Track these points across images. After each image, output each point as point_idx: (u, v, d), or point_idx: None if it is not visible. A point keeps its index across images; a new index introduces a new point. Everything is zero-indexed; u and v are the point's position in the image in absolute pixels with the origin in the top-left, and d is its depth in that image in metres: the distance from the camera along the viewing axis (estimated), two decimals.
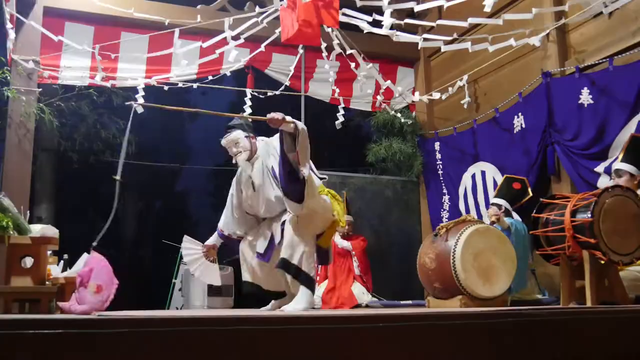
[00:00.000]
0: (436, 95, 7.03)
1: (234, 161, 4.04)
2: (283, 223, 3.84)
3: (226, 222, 4.22)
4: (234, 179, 4.20)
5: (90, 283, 3.10)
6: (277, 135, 3.81)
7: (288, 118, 3.58)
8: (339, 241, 6.39)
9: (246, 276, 4.18)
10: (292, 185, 3.65)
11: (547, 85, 5.62)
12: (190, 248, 4.27)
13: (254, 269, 4.12)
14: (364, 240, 6.55)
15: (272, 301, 4.14)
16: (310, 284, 3.74)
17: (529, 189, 5.38)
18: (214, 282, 4.46)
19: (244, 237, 4.19)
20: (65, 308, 3.03)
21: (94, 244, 3.29)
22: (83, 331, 1.74)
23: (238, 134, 3.97)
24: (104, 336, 1.75)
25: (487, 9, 4.81)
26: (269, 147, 3.98)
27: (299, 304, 3.64)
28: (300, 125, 3.62)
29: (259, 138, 4.11)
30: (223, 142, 4.01)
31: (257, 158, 4.01)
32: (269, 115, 3.55)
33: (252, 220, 4.21)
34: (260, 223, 4.21)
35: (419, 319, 2.18)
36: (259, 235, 4.11)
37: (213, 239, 4.26)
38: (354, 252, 6.37)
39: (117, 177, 3.44)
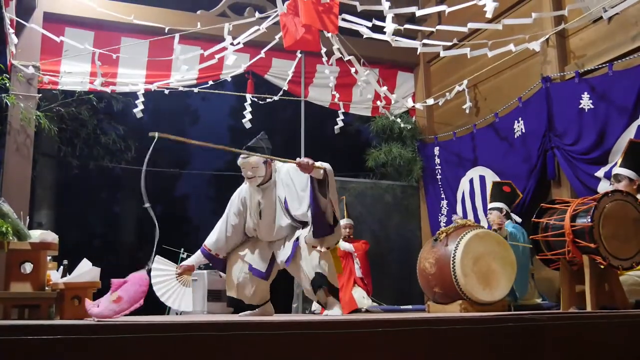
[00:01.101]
0: (430, 102, 7.04)
1: (245, 182, 4.03)
2: (297, 240, 3.89)
3: (217, 240, 4.11)
4: (236, 199, 4.14)
5: (116, 292, 3.11)
6: (286, 165, 3.95)
7: (317, 163, 3.69)
8: (340, 244, 6.42)
9: (231, 292, 4.10)
10: (322, 229, 3.77)
11: (547, 90, 5.63)
12: (160, 269, 3.99)
13: (240, 284, 4.05)
14: (366, 243, 6.60)
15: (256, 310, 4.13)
16: (338, 295, 3.95)
17: (517, 190, 5.47)
18: (185, 308, 4.05)
19: (231, 252, 4.14)
20: (86, 305, 3.05)
21: (149, 267, 3.27)
22: (83, 337, 1.74)
23: (258, 159, 3.89)
24: (104, 342, 1.75)
25: (489, 15, 4.81)
26: (280, 174, 4.00)
27: (337, 312, 3.82)
28: (328, 168, 3.76)
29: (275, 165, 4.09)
30: (240, 161, 3.93)
31: (269, 186, 3.99)
32: (298, 160, 3.66)
33: (244, 239, 4.17)
34: (251, 239, 4.17)
35: (419, 324, 2.17)
36: (255, 254, 4.09)
37: (194, 259, 4.14)
38: (355, 254, 6.39)
39: (147, 205, 3.42)
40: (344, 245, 6.45)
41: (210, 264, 4.27)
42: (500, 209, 5.27)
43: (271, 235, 4.05)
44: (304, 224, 3.90)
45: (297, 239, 3.89)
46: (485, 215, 5.81)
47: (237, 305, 4.13)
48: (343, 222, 6.54)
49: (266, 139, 4.02)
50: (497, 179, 6.25)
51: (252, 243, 4.15)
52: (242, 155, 3.88)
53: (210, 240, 4.12)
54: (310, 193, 3.74)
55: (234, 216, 4.10)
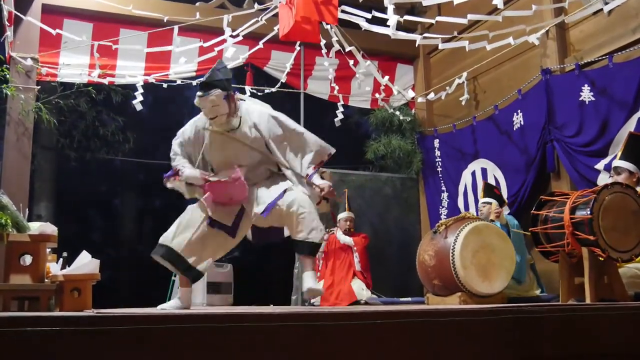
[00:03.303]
0: (432, 96, 7.03)
1: (208, 124, 3.60)
2: (284, 191, 3.53)
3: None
4: (191, 128, 3.68)
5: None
6: (256, 106, 3.69)
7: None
8: (340, 237, 6.45)
9: (180, 242, 3.43)
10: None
11: (547, 83, 5.62)
12: None
13: (195, 239, 3.47)
14: (366, 237, 6.58)
15: (179, 296, 3.54)
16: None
17: (504, 197, 5.63)
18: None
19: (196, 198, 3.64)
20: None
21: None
22: (83, 328, 1.74)
23: (216, 97, 3.42)
24: (104, 334, 1.75)
25: (500, 5, 4.74)
26: (254, 116, 3.62)
27: (314, 282, 3.62)
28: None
29: (239, 97, 3.70)
30: (196, 101, 3.50)
31: (240, 124, 3.57)
32: (328, 189, 3.57)
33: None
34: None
35: (418, 315, 2.18)
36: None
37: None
38: (355, 248, 6.40)
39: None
40: (344, 239, 6.46)
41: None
42: (495, 204, 5.32)
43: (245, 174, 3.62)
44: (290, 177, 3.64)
45: (285, 190, 3.54)
46: None
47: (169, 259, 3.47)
48: (344, 215, 6.56)
49: (224, 68, 3.58)
50: (499, 172, 6.27)
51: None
52: (197, 93, 3.47)
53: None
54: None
55: (188, 145, 3.67)
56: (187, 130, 3.71)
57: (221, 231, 3.55)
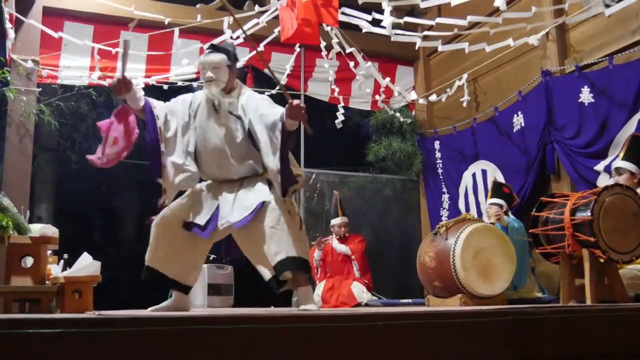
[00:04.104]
0: (433, 98, 7.03)
1: (203, 88, 3.41)
2: (262, 204, 3.14)
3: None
4: (182, 103, 3.44)
5: (109, 135, 3.20)
6: (254, 93, 3.42)
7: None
8: (337, 246, 6.31)
9: (159, 261, 3.26)
10: (289, 179, 3.16)
11: (547, 84, 5.62)
12: None
13: (171, 249, 3.26)
14: (363, 241, 6.40)
15: (172, 299, 3.38)
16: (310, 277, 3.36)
17: (514, 194, 5.51)
18: None
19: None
20: (91, 160, 3.20)
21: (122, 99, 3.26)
22: (83, 330, 1.74)
23: (221, 60, 3.32)
24: (104, 335, 1.75)
25: (502, 7, 4.74)
26: (246, 99, 3.39)
27: (312, 303, 3.22)
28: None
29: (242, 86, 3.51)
30: (201, 59, 3.38)
31: (233, 101, 3.37)
32: (295, 101, 3.09)
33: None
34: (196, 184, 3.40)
35: (418, 317, 2.18)
36: (198, 204, 3.33)
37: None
38: (353, 257, 6.27)
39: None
40: (340, 248, 6.29)
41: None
42: (500, 205, 5.30)
43: (218, 171, 3.34)
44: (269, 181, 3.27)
45: (263, 202, 3.15)
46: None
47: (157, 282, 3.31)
48: (337, 220, 6.35)
49: (233, 47, 3.51)
50: (499, 173, 6.27)
51: (196, 195, 3.37)
52: (204, 52, 3.36)
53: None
54: (280, 140, 3.14)
55: (179, 122, 3.36)
56: (179, 99, 3.50)
57: (195, 234, 3.27)
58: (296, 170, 3.31)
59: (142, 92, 3.36)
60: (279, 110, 3.21)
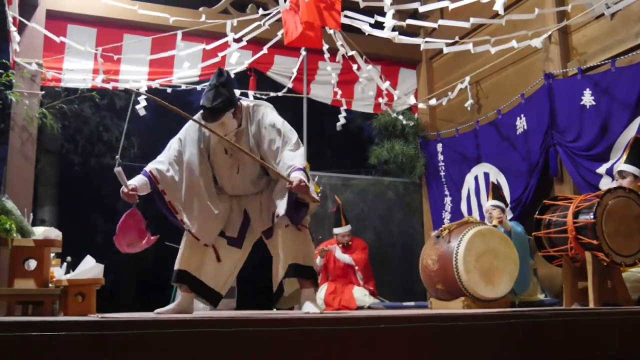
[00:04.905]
0: (433, 102, 7.03)
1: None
2: (274, 215, 3.24)
3: (161, 170, 3.40)
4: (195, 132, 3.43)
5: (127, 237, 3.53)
6: (262, 108, 3.43)
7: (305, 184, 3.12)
8: (339, 256, 6.25)
9: (193, 266, 3.36)
10: (300, 215, 3.23)
11: (549, 87, 5.62)
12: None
13: (203, 259, 3.38)
14: (366, 248, 6.34)
15: (178, 301, 3.40)
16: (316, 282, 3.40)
17: (507, 200, 5.61)
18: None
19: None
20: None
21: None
22: (86, 333, 1.74)
23: (225, 119, 3.25)
24: (108, 338, 1.75)
25: (500, 11, 4.75)
26: (254, 115, 3.41)
27: (316, 306, 3.23)
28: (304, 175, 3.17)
29: (242, 103, 3.46)
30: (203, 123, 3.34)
31: (243, 131, 3.38)
32: (294, 184, 3.05)
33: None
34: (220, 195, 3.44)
35: (421, 320, 2.18)
36: (224, 214, 3.40)
37: (136, 181, 3.40)
38: (357, 267, 6.21)
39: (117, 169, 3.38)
40: (344, 259, 6.23)
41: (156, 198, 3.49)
42: (502, 209, 5.30)
43: (244, 188, 3.42)
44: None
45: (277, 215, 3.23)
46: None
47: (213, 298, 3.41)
48: (340, 230, 6.27)
49: (225, 80, 3.29)
50: (502, 176, 6.27)
51: (222, 204, 3.43)
52: (205, 117, 3.27)
53: (154, 165, 3.41)
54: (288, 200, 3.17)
55: (193, 158, 3.38)
56: (190, 127, 3.47)
57: (230, 246, 3.42)
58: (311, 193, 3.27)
59: (145, 179, 3.41)
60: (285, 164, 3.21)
